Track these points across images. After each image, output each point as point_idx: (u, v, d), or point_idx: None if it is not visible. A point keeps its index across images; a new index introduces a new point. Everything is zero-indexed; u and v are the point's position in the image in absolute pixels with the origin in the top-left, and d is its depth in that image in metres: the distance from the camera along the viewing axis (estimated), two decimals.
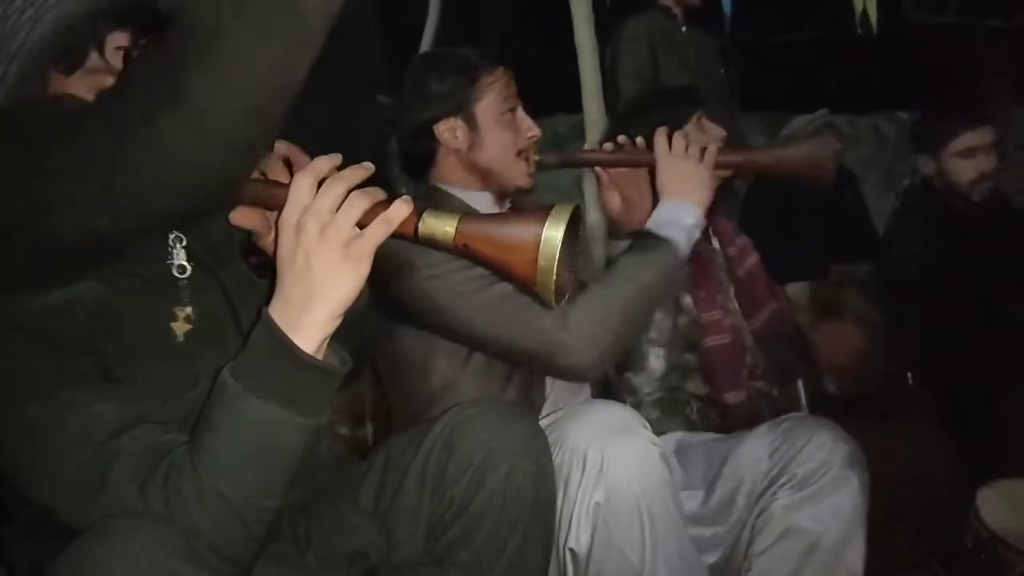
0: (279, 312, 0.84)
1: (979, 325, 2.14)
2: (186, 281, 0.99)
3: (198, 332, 0.98)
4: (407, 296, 1.31)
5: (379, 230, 0.84)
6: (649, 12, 3.27)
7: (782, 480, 1.30)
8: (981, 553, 1.66)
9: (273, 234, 0.96)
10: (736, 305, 1.78)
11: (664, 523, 1.12)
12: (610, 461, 1.10)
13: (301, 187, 0.84)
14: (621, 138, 1.49)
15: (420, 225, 0.86)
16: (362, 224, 0.84)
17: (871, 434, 1.57)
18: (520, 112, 1.47)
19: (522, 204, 1.50)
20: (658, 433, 1.54)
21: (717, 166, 1.40)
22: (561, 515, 1.12)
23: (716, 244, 1.84)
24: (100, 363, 0.90)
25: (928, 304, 2.23)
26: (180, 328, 0.98)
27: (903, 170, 2.72)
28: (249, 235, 1.04)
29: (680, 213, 1.36)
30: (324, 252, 0.82)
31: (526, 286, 0.88)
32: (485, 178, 1.46)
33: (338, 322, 0.86)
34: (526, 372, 1.38)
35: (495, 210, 1.48)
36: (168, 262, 0.99)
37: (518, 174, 1.46)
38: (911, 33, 4.86)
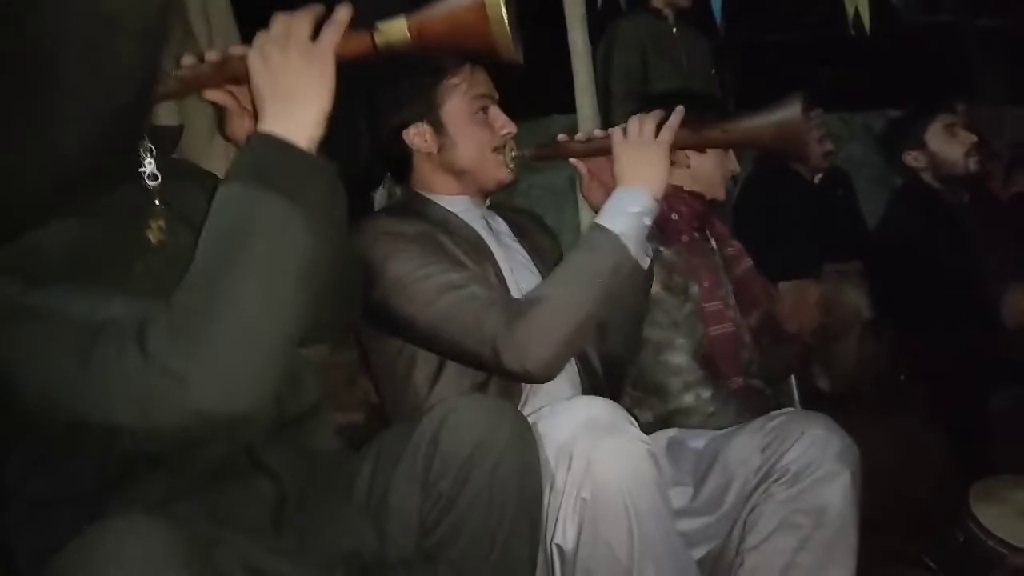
0: (265, 126, 0.89)
1: (969, 321, 2.15)
2: (157, 191, 1.00)
3: (172, 241, 0.99)
4: (379, 307, 1.33)
5: (331, 31, 0.92)
6: (639, 14, 3.28)
7: (774, 476, 1.29)
8: (973, 548, 1.67)
9: (246, 116, 1.04)
10: (734, 301, 1.80)
11: (651, 519, 1.11)
12: (596, 458, 1.09)
13: (259, 35, 0.93)
14: (597, 131, 1.49)
15: (376, 36, 0.94)
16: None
17: (863, 430, 1.59)
18: (494, 109, 1.46)
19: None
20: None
21: (684, 145, 1.37)
22: (548, 512, 1.12)
23: (713, 244, 1.86)
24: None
25: (919, 301, 2.25)
26: (155, 236, 0.99)
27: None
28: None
29: (626, 202, 1.31)
30: (289, 62, 0.90)
31: (486, 49, 0.95)
32: (461, 179, 1.46)
33: (319, 132, 0.90)
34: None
35: (476, 213, 1.49)
36: (140, 170, 1.00)
37: (496, 170, 1.45)
38: (903, 32, 4.88)
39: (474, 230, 1.46)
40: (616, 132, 1.36)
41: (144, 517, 0.77)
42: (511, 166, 1.45)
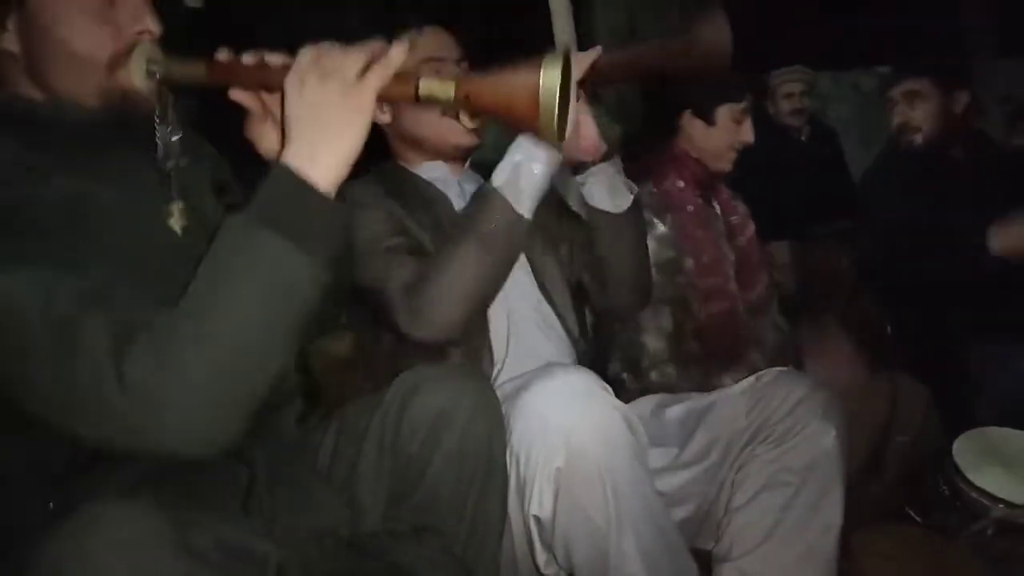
0: (289, 159, 0.85)
1: (954, 277, 2.15)
2: (174, 175, 0.98)
3: (193, 226, 0.98)
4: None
5: (378, 73, 0.86)
6: None
7: (760, 436, 1.31)
8: (957, 500, 1.69)
9: (268, 121, 1.00)
10: (734, 274, 1.79)
11: (627, 485, 1.11)
12: (570, 426, 1.08)
13: (305, 55, 0.87)
14: None
15: (420, 84, 0.90)
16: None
17: (849, 385, 1.60)
18: (446, 69, 1.39)
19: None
20: (673, 391, 1.57)
21: (603, 74, 1.27)
22: (524, 482, 1.11)
23: (718, 210, 1.85)
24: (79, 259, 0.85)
25: (904, 257, 2.25)
26: (177, 224, 0.98)
27: (884, 126, 2.71)
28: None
29: (515, 152, 1.28)
30: (327, 97, 0.85)
31: (530, 127, 0.91)
32: (423, 147, 1.46)
33: (344, 172, 0.86)
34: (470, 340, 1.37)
35: (452, 180, 1.47)
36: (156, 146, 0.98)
37: (453, 134, 1.43)
38: None
39: (445, 197, 1.45)
40: None
41: (131, 502, 0.75)
42: (470, 127, 1.42)
